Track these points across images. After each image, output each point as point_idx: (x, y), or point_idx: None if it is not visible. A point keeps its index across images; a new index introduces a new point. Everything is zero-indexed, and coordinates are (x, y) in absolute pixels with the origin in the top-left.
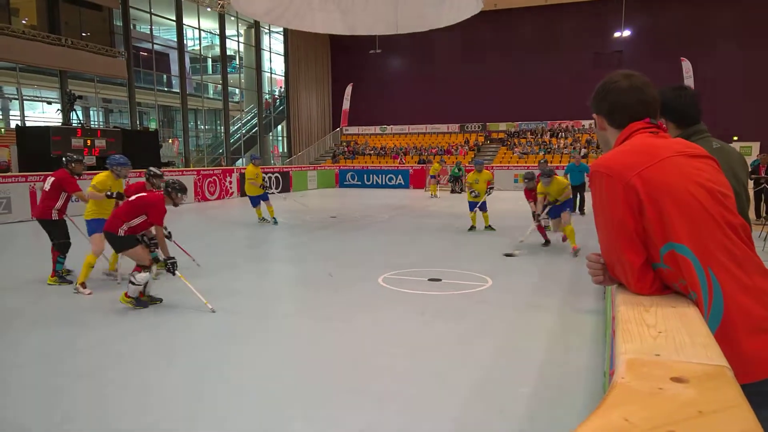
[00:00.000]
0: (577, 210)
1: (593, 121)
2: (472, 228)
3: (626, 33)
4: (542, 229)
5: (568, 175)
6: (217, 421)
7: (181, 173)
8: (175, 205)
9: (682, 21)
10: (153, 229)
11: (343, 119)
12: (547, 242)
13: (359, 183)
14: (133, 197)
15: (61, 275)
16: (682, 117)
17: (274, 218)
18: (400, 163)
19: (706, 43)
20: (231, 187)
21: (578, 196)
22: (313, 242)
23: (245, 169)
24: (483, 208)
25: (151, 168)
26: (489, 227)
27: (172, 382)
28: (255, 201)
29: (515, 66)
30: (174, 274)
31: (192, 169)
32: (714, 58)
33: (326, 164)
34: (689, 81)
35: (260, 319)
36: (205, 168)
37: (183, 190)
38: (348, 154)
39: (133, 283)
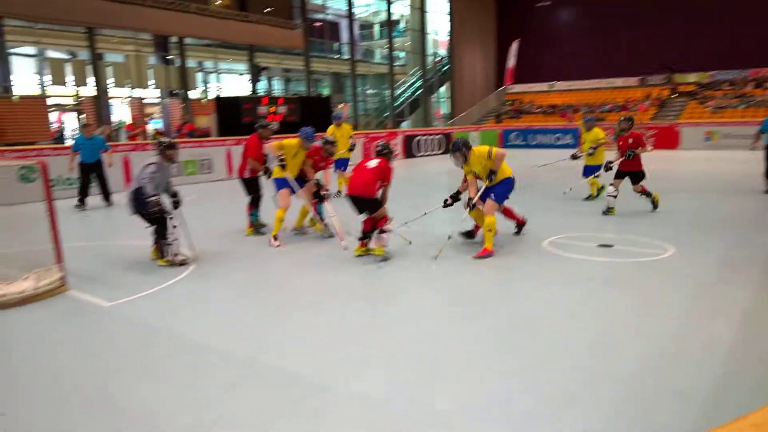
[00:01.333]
0: None
1: None
2: (589, 197)
3: None
4: (509, 213)
5: (763, 135)
6: (381, 367)
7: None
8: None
9: None
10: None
11: (508, 77)
12: (519, 228)
13: (523, 143)
14: (373, 165)
15: (256, 227)
16: None
17: (339, 191)
18: (569, 122)
19: None
20: (396, 149)
21: None
22: None
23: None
24: (587, 172)
25: (327, 137)
26: (591, 197)
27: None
28: (337, 164)
29: (706, 6)
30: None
31: (360, 132)
32: None
33: (489, 125)
34: None
35: (421, 275)
36: (373, 131)
37: (392, 152)
38: (512, 114)
39: (385, 231)
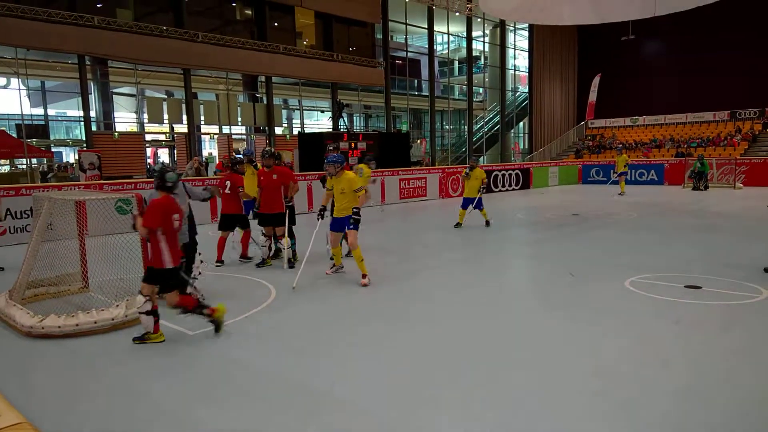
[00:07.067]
0: None
1: None
2: (457, 225)
3: None
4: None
5: None
6: (459, 399)
7: (428, 171)
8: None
9: None
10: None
11: (589, 112)
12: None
13: (604, 179)
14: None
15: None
16: None
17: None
18: (651, 157)
19: None
20: None
21: None
22: (553, 240)
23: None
24: (476, 205)
25: None
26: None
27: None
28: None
29: None
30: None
31: (437, 167)
32: None
33: (569, 160)
34: None
35: (494, 314)
36: (449, 166)
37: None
38: (593, 149)
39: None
